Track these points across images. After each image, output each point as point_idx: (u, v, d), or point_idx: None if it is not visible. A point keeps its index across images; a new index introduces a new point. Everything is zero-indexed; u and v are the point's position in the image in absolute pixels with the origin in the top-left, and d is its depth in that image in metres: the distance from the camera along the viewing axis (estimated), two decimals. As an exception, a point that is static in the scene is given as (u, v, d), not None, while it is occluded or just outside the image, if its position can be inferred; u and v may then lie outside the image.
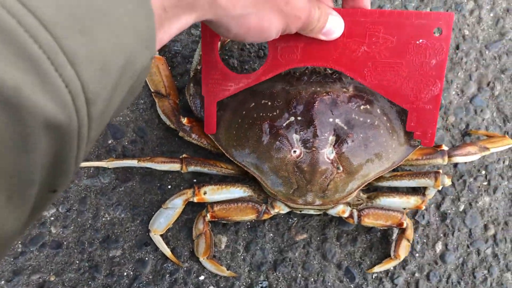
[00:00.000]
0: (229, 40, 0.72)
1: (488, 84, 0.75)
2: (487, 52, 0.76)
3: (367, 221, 0.66)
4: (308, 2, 0.48)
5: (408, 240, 0.68)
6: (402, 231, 0.67)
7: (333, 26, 0.54)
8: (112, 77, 0.29)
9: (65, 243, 0.70)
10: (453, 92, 0.75)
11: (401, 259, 0.69)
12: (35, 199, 0.29)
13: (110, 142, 0.72)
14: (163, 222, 0.68)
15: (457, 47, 0.76)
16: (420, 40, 0.56)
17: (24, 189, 0.28)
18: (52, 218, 0.71)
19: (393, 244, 0.69)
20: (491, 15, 0.77)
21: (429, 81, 0.58)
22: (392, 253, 0.69)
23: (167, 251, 0.70)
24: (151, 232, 0.68)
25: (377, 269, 0.70)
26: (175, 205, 0.66)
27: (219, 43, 0.60)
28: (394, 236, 0.70)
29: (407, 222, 0.66)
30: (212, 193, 0.66)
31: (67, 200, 0.71)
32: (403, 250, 0.68)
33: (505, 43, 0.76)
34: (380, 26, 0.55)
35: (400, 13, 0.55)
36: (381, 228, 0.72)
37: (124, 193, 0.72)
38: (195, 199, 0.66)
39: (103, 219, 0.71)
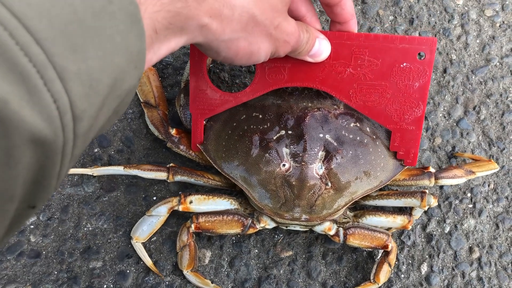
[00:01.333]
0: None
1: (474, 108, 0.77)
2: (473, 77, 0.77)
3: (353, 241, 0.65)
4: (297, 25, 0.48)
5: (390, 265, 0.67)
6: (386, 254, 0.67)
7: (320, 49, 0.55)
8: (100, 95, 0.29)
9: (44, 252, 0.68)
10: (440, 115, 0.76)
11: (380, 284, 0.67)
12: (13, 215, 0.28)
13: (96, 150, 0.71)
14: (146, 230, 0.66)
15: (445, 71, 0.77)
16: (404, 64, 0.57)
17: (3, 204, 0.27)
18: (32, 226, 0.68)
19: (375, 267, 0.68)
20: (478, 41, 0.79)
21: (412, 103, 0.59)
22: (372, 276, 0.67)
23: (148, 260, 0.68)
24: (133, 239, 0.67)
25: None
26: (159, 213, 0.65)
27: (208, 61, 0.61)
28: (378, 257, 0.69)
29: (392, 245, 0.66)
30: (198, 203, 0.65)
31: (49, 208, 0.69)
32: (384, 275, 0.67)
33: (491, 69, 0.78)
34: (366, 49, 0.57)
35: (385, 37, 0.57)
36: (367, 248, 0.71)
37: (108, 203, 0.70)
38: (180, 208, 0.64)
39: (85, 229, 0.70)
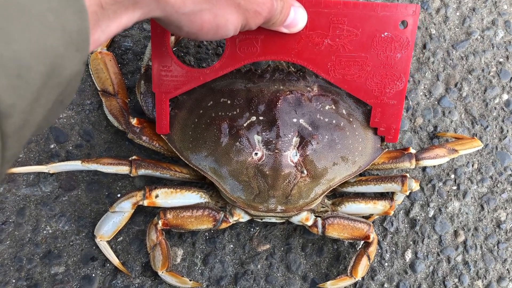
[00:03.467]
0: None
1: (455, 85, 0.73)
2: (454, 52, 0.73)
3: (332, 232, 0.61)
4: None
5: (369, 258, 0.62)
6: (366, 245, 0.62)
7: (296, 18, 0.50)
8: (33, 86, 0.25)
9: (-1, 259, 0.63)
10: (421, 93, 0.72)
11: (358, 278, 0.63)
12: None
13: (52, 146, 0.65)
14: (111, 227, 0.61)
15: (424, 47, 0.73)
16: (385, 33, 0.54)
17: None
18: (-16, 232, 0.63)
19: (353, 259, 0.63)
20: (458, 14, 0.75)
21: (394, 76, 0.56)
22: (349, 270, 0.63)
23: (114, 259, 0.63)
24: (97, 238, 0.62)
25: (330, 285, 0.64)
26: (123, 209, 0.60)
27: (171, 35, 0.55)
28: (358, 248, 0.65)
29: (373, 236, 0.62)
30: (165, 197, 0.60)
31: (3, 211, 0.63)
32: (362, 269, 0.63)
33: (472, 43, 0.74)
34: (345, 18, 0.53)
35: (365, 4, 0.53)
36: (348, 237, 0.67)
37: (68, 203, 0.65)
38: (146, 203, 0.59)
39: (44, 232, 0.64)
